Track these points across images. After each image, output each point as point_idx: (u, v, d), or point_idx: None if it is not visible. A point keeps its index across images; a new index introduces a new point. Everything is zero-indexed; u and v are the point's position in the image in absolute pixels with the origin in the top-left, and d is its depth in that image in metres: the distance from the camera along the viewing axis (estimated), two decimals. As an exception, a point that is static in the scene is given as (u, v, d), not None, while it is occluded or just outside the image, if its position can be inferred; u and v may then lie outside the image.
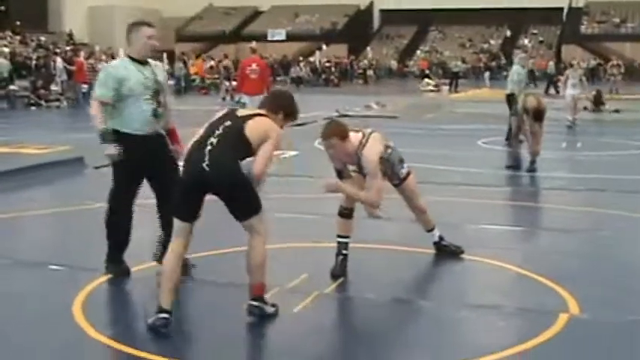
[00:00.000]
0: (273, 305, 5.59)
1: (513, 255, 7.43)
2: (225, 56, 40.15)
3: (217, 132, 5.35)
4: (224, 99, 31.42)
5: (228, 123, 5.40)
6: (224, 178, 5.25)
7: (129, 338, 5.16)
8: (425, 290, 6.58)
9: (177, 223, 5.44)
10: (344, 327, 5.69)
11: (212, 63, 42.37)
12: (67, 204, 9.46)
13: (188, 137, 5.73)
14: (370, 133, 6.64)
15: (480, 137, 17.68)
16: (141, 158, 6.28)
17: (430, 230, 7.34)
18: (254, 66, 17.10)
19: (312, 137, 17.90)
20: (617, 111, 24.90)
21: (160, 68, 6.54)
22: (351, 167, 6.69)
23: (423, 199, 7.28)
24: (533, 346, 5.10)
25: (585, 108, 23.94)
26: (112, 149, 6.21)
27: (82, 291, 6.09)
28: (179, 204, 5.43)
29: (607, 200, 10.30)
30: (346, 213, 6.77)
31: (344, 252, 6.74)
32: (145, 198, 6.52)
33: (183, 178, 5.44)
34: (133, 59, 6.32)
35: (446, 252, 7.28)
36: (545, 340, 5.19)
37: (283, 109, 5.63)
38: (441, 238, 7.34)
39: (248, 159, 5.31)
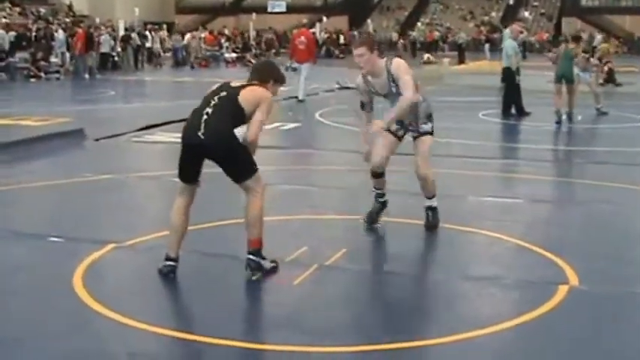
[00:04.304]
0: (273, 261, 5.86)
1: (513, 227, 7.43)
2: (270, 28, 46.13)
3: (213, 102, 5.72)
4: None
5: (223, 93, 5.76)
6: (219, 145, 5.60)
7: (129, 309, 5.17)
8: (425, 263, 6.58)
9: (180, 184, 5.86)
10: (343, 299, 5.69)
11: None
12: (67, 176, 9.45)
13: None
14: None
15: (480, 109, 17.64)
16: None
17: (429, 198, 7.28)
18: (302, 38, 20.84)
19: (313, 109, 17.95)
20: (619, 84, 24.81)
21: None
22: (377, 87, 7.02)
23: (431, 168, 7.24)
24: (533, 317, 5.11)
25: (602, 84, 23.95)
26: None
27: (83, 262, 6.10)
28: (180, 168, 5.81)
29: (607, 172, 10.29)
30: (379, 174, 7.22)
31: (380, 200, 7.31)
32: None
33: (181, 144, 5.75)
34: None
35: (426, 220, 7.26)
36: (545, 312, 5.20)
37: (272, 76, 5.98)
38: (430, 207, 7.26)
39: (242, 127, 5.67)
